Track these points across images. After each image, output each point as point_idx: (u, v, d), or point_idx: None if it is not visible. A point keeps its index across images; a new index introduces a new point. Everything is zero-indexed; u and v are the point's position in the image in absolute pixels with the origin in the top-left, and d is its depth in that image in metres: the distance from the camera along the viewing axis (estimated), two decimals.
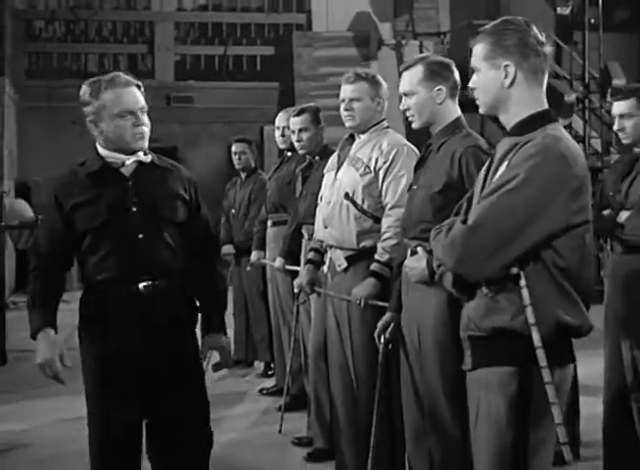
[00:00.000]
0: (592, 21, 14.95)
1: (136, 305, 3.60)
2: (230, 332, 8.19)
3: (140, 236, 3.61)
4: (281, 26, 18.18)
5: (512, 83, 2.99)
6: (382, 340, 4.22)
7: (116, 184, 3.65)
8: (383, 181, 4.70)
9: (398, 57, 17.21)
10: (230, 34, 18.12)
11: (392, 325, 4.15)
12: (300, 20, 18.03)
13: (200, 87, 17.30)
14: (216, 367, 3.90)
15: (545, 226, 2.81)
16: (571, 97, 13.99)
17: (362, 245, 4.75)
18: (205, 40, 18.21)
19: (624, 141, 4.80)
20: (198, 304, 3.85)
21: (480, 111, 3.08)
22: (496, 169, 2.94)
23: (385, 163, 4.70)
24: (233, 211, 8.26)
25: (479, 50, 3.00)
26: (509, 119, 3.02)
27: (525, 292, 2.82)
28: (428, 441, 4.03)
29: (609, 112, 5.00)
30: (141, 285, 3.60)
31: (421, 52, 16.91)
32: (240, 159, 8.24)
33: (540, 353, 2.79)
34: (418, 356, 3.98)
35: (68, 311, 3.74)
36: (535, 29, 2.99)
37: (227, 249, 8.11)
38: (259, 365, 8.26)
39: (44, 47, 17.65)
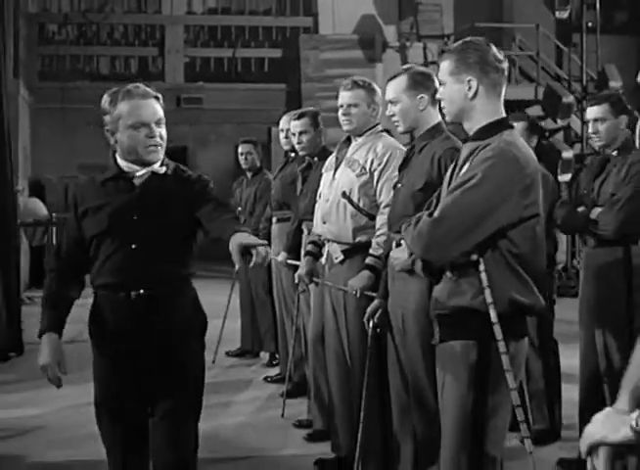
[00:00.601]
0: (589, 24, 15.19)
1: (130, 311, 3.58)
2: (237, 324, 8.55)
3: (133, 246, 3.57)
4: (288, 29, 18.36)
5: (474, 95, 3.38)
6: (370, 324, 4.55)
7: (125, 193, 3.64)
8: (377, 182, 4.98)
9: (403, 59, 17.35)
10: (238, 37, 18.32)
11: (380, 311, 4.47)
12: (307, 23, 18.21)
13: (209, 89, 17.48)
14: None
15: (500, 218, 3.23)
16: (569, 98, 14.29)
17: (358, 240, 5.03)
18: (215, 43, 18.42)
19: (597, 143, 5.16)
20: None
21: (447, 119, 3.50)
22: (460, 169, 3.35)
23: (379, 164, 4.99)
24: (239, 209, 8.51)
25: (445, 66, 3.42)
26: (471, 126, 3.42)
27: (483, 276, 3.24)
28: (411, 415, 4.37)
29: None
30: (132, 293, 3.57)
31: (425, 54, 17.08)
32: (246, 159, 8.53)
33: (497, 328, 3.21)
34: (403, 339, 4.31)
35: (82, 307, 3.85)
36: (494, 49, 3.40)
37: None
38: (265, 356, 8.59)
39: (57, 50, 17.88)
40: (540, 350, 5.78)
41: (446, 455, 3.39)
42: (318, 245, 5.47)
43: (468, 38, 3.44)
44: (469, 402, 3.29)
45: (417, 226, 3.27)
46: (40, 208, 14.47)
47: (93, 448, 3.71)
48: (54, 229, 13.70)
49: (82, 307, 3.76)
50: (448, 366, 3.38)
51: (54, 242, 13.48)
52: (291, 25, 18.40)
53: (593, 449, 2.02)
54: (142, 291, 3.56)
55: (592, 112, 5.12)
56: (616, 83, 14.15)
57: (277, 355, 8.11)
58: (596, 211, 4.99)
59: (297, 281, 5.84)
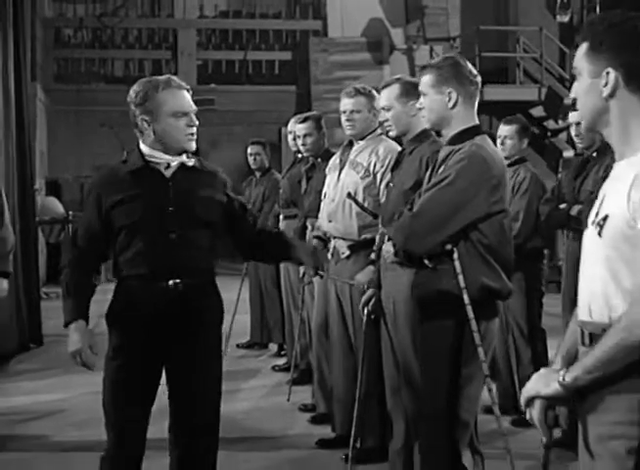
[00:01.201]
0: None
1: (167, 300, 3.65)
2: (246, 317, 8.93)
3: (172, 236, 3.65)
4: (298, 32, 18.53)
5: (454, 105, 3.81)
6: (365, 311, 4.88)
7: (157, 184, 3.69)
8: (380, 183, 5.29)
9: (410, 61, 17.58)
10: (249, 40, 18.50)
11: (374, 299, 4.78)
12: (316, 26, 18.42)
13: (221, 91, 17.64)
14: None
15: (470, 213, 3.66)
16: (570, 99, 14.58)
17: (363, 237, 5.34)
18: (226, 46, 18.59)
19: (580, 145, 5.53)
20: (270, 249, 4.11)
21: (427, 126, 3.93)
22: (438, 170, 3.78)
23: (382, 167, 5.30)
24: (249, 207, 8.81)
25: (426, 79, 3.85)
26: (448, 132, 3.85)
27: (457, 264, 3.68)
28: (402, 394, 4.69)
29: None
30: (170, 282, 3.65)
31: (431, 56, 17.27)
32: (255, 159, 8.86)
33: (469, 309, 3.66)
34: (394, 324, 4.64)
35: (94, 303, 3.91)
36: (469, 65, 3.85)
37: None
38: (273, 347, 9.00)
39: (72, 53, 18.15)
40: (529, 338, 6.15)
41: (425, 420, 3.83)
42: (323, 240, 5.77)
43: (446, 55, 3.89)
44: (445, 374, 3.72)
45: (399, 220, 3.71)
46: (57, 206, 14.83)
47: None
48: (70, 226, 14.10)
49: (94, 303, 3.84)
50: (428, 343, 3.81)
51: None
52: (300, 29, 18.62)
53: (530, 402, 2.43)
54: (178, 280, 3.66)
55: (574, 116, 5.49)
56: None
57: (285, 346, 8.46)
58: (576, 208, 5.36)
59: (301, 275, 6.17)
